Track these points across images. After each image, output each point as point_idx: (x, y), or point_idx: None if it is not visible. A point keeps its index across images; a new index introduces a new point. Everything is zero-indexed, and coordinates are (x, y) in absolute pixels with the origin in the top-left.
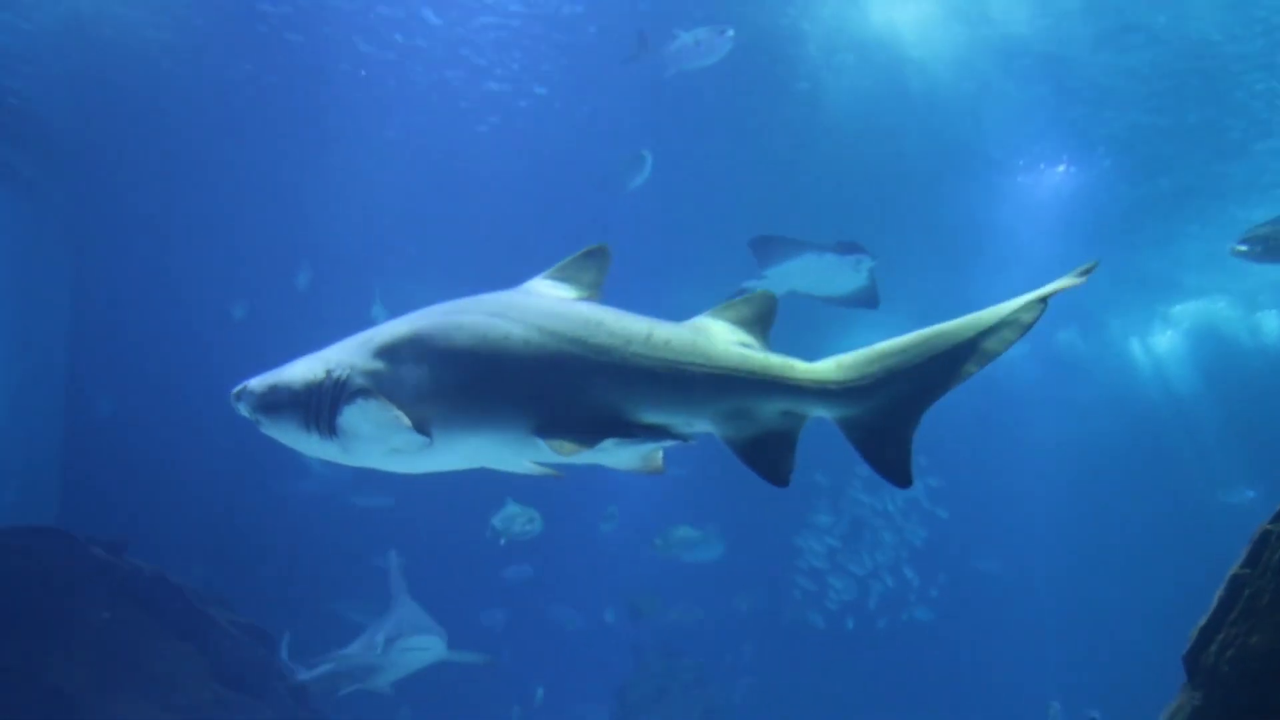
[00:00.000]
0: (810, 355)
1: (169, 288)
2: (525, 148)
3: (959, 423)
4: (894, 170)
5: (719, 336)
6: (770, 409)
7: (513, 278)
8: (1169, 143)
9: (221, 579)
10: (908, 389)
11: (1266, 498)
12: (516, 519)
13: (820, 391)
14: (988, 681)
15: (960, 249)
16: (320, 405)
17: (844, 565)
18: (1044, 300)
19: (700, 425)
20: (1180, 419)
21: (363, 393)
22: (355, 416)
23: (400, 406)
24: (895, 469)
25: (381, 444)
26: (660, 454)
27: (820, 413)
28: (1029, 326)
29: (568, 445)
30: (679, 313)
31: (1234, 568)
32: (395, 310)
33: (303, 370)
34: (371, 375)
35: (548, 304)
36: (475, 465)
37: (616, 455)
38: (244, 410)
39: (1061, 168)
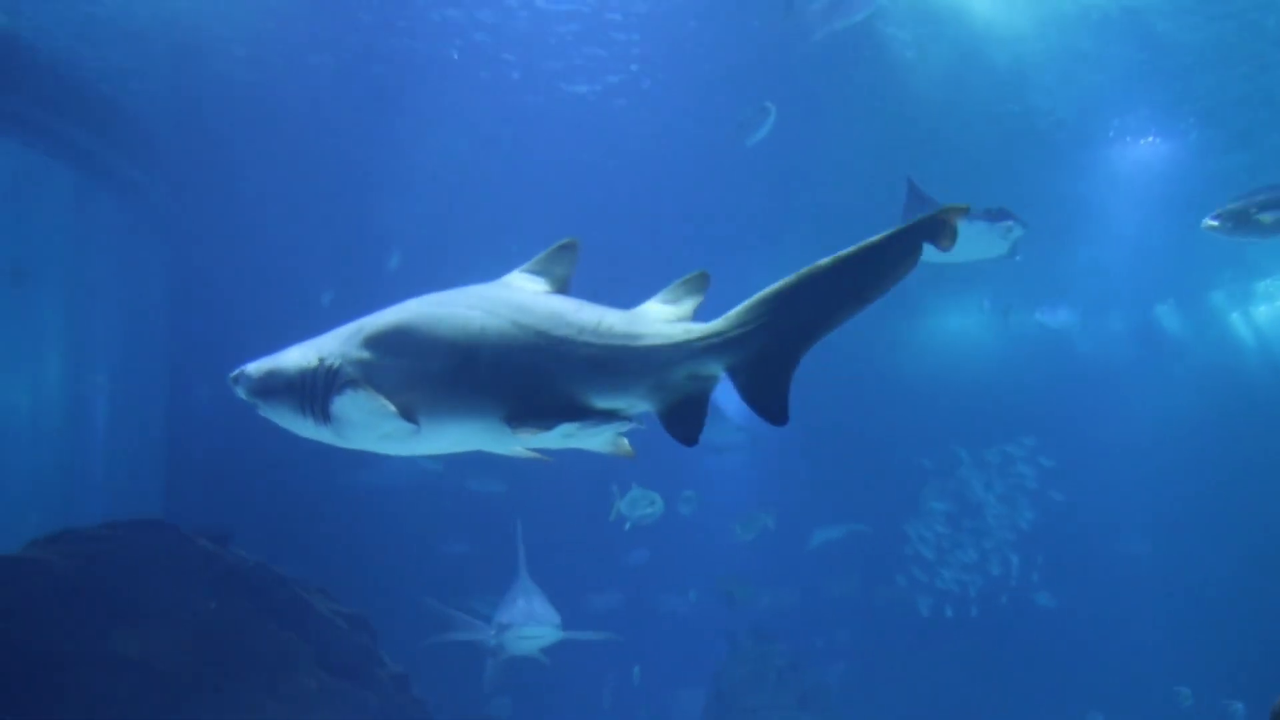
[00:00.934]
0: None
1: (260, 280)
2: (615, 128)
3: (1062, 401)
4: (978, 146)
5: (650, 317)
6: (679, 374)
7: (596, 258)
8: (1258, 113)
9: (316, 569)
10: (785, 331)
11: None
12: (639, 503)
13: (709, 347)
14: (1104, 667)
15: (1047, 223)
16: (314, 393)
17: (952, 551)
18: (916, 234)
19: (640, 405)
20: None
21: (352, 383)
22: (346, 405)
23: (388, 394)
24: (772, 409)
25: (372, 430)
26: (626, 440)
27: (714, 368)
28: (910, 266)
29: (530, 431)
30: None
31: None
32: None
33: (297, 357)
34: (361, 364)
35: (519, 297)
36: (465, 449)
37: (586, 440)
38: (241, 393)
39: (1149, 140)
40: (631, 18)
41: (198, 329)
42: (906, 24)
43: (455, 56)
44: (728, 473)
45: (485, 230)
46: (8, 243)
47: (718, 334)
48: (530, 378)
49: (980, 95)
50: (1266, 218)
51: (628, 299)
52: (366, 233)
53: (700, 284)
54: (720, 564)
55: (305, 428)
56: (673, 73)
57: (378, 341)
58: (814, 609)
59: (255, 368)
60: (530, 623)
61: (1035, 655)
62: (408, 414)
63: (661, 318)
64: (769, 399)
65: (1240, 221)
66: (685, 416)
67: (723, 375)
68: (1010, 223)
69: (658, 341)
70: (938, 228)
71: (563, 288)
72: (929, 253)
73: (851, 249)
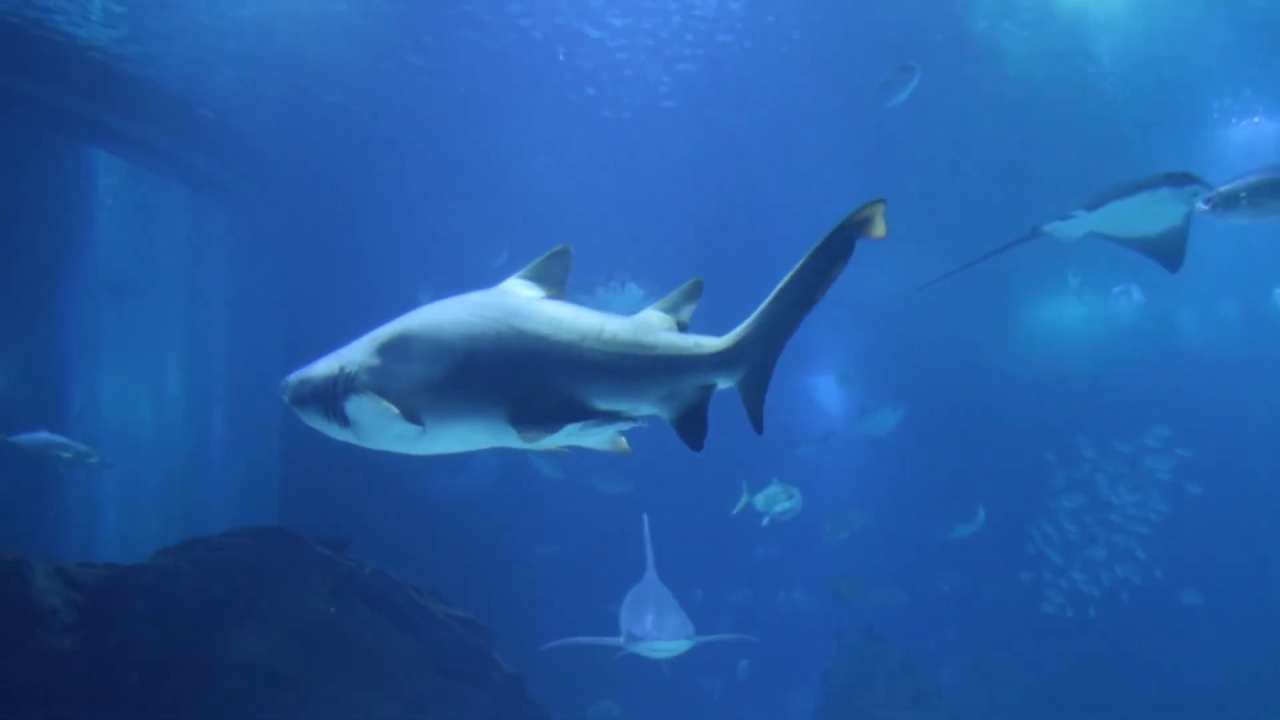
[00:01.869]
0: None
1: (366, 286)
2: (713, 122)
3: (1182, 390)
4: (1081, 131)
5: (655, 326)
6: (690, 385)
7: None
8: None
9: (420, 574)
10: (769, 345)
11: None
12: (777, 498)
13: (720, 364)
14: (1237, 672)
15: None
16: (333, 399)
17: (1081, 546)
18: (845, 238)
19: (645, 408)
20: None
21: (357, 389)
22: (355, 409)
23: (397, 397)
24: (759, 419)
25: (384, 432)
26: (623, 438)
27: (722, 382)
28: (841, 270)
29: (534, 433)
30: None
31: None
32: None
33: (323, 366)
34: (373, 371)
35: (518, 303)
36: (472, 449)
37: (586, 439)
38: (285, 401)
39: (1255, 119)
40: (727, 16)
41: (307, 337)
42: (1006, 13)
43: (561, 57)
44: (835, 470)
45: (587, 226)
46: (123, 258)
47: (722, 351)
48: (533, 381)
49: (1081, 81)
50: (1256, 197)
51: (728, 294)
52: (466, 233)
53: (696, 292)
54: (829, 562)
55: (333, 431)
56: (764, 66)
57: (387, 348)
58: (924, 607)
59: (294, 377)
60: (662, 636)
61: (1170, 656)
62: (412, 416)
63: (666, 327)
64: (759, 410)
65: (1231, 204)
66: (696, 424)
67: (724, 386)
68: (1196, 186)
69: (671, 352)
70: (863, 224)
71: (558, 292)
72: (1111, 227)
73: (800, 265)
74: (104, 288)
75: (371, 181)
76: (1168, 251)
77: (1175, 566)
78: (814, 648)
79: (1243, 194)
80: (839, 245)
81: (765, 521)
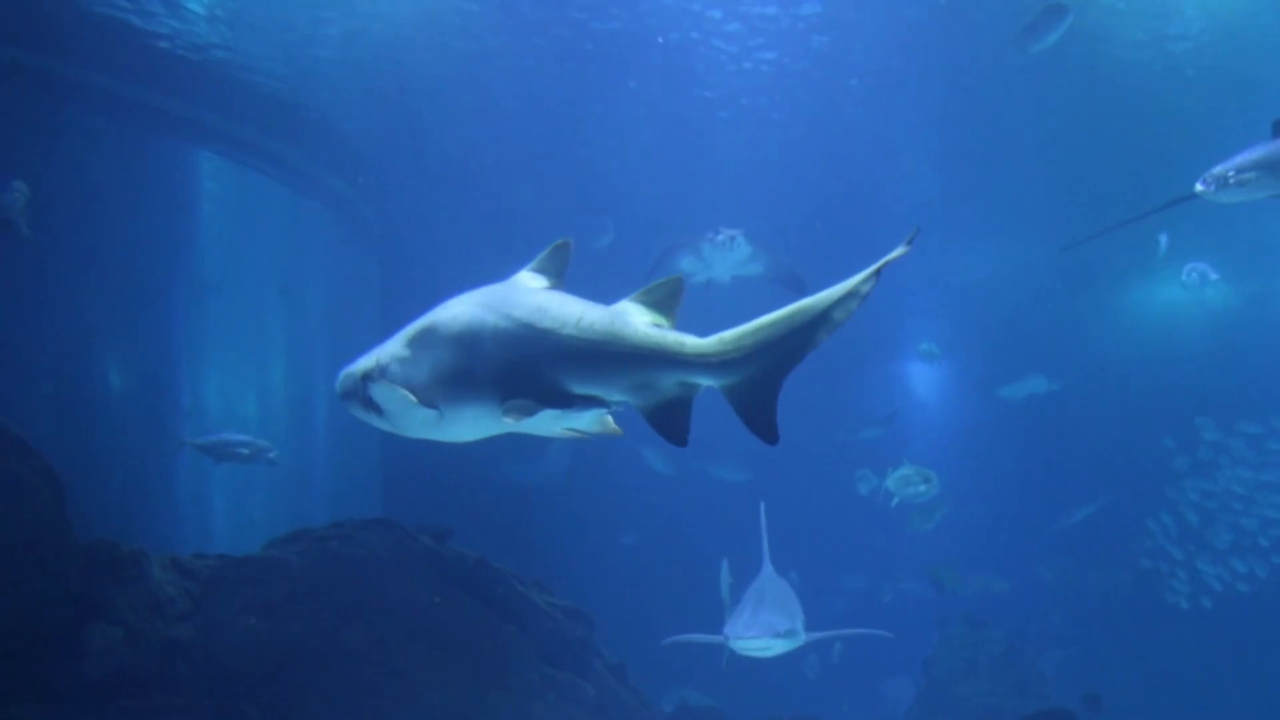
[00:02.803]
0: None
1: (465, 279)
2: (815, 108)
3: None
4: (1179, 110)
5: (634, 318)
6: (669, 380)
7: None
8: None
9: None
10: (774, 358)
11: None
12: (911, 480)
13: (704, 364)
14: None
15: None
16: (366, 389)
17: (1202, 533)
18: (877, 273)
19: (617, 395)
20: None
21: (377, 380)
22: (379, 397)
23: (420, 385)
24: (765, 429)
25: (409, 418)
26: (611, 419)
27: (707, 382)
28: (866, 296)
29: (515, 415)
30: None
31: None
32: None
33: (363, 360)
34: (401, 361)
35: (516, 294)
36: (484, 434)
37: (573, 421)
38: (337, 395)
39: None
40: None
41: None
42: None
43: (660, 40)
44: (936, 459)
45: (693, 214)
46: (225, 257)
47: (715, 355)
48: (518, 366)
49: (1179, 59)
50: (1244, 177)
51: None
52: (566, 219)
53: (677, 288)
54: (928, 550)
55: (373, 420)
56: (859, 46)
57: (413, 340)
58: (1024, 594)
59: (343, 371)
60: (750, 633)
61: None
62: (429, 402)
63: (646, 320)
64: (762, 420)
65: (1222, 185)
66: (674, 419)
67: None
68: None
69: (645, 344)
70: (892, 262)
71: (558, 284)
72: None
73: (835, 290)
74: (277, 290)
75: (468, 173)
76: None
77: None
78: (911, 635)
79: (1231, 175)
80: (872, 280)
81: (894, 502)
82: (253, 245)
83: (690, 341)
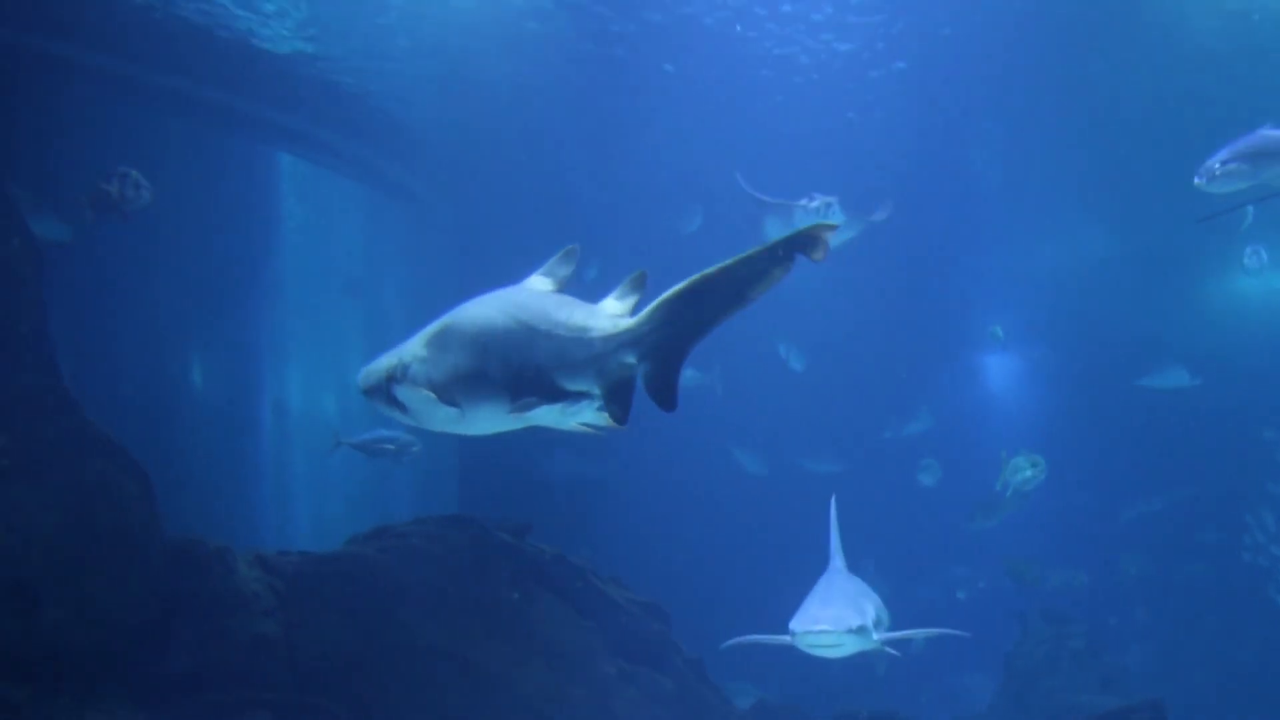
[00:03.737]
0: None
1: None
2: (872, 93)
3: None
4: (1258, 90)
5: (603, 312)
6: (613, 363)
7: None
8: None
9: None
10: (679, 328)
11: None
12: (1020, 467)
13: (625, 341)
14: None
15: None
16: (390, 388)
17: None
18: (788, 249)
19: (595, 388)
20: None
21: (401, 380)
22: (403, 396)
23: (441, 384)
24: (663, 397)
25: (433, 416)
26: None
27: (633, 359)
28: (781, 275)
29: (519, 413)
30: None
31: None
32: None
33: (386, 359)
34: (422, 361)
35: (523, 296)
36: (502, 429)
37: (576, 415)
38: (360, 391)
39: None
40: None
41: None
42: None
43: (738, 28)
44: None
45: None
46: (304, 257)
47: (630, 330)
48: (521, 366)
49: (1261, 35)
50: (1228, 168)
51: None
52: (646, 211)
53: (640, 282)
54: (1006, 544)
55: (397, 416)
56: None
57: (433, 340)
58: (1106, 588)
59: (366, 369)
60: (810, 629)
61: None
62: (450, 400)
63: (611, 313)
64: (662, 388)
65: (1210, 177)
66: (616, 398)
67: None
68: None
69: (599, 334)
70: (811, 241)
71: (563, 287)
72: None
73: (736, 259)
74: (341, 287)
75: (542, 169)
76: None
77: None
78: (989, 631)
79: (1217, 167)
80: (783, 254)
81: (1009, 492)
82: (330, 243)
83: (624, 323)
